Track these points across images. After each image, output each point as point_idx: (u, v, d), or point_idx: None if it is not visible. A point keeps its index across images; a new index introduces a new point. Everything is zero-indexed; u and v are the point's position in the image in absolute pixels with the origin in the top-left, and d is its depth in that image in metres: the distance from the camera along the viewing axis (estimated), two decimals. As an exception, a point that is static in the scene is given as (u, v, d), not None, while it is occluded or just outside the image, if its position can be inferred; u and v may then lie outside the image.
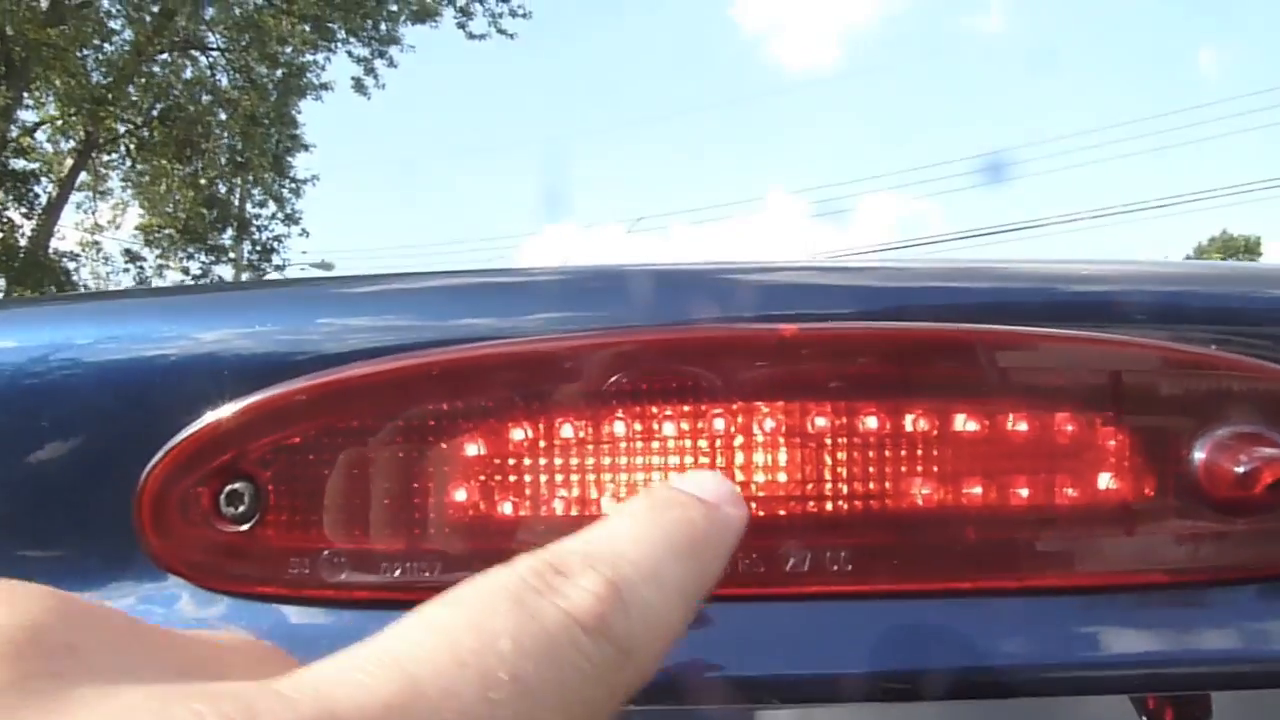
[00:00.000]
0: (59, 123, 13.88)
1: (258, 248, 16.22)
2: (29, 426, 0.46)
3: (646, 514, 0.29)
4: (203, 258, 15.80)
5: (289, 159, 15.47)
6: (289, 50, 14.32)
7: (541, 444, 0.42)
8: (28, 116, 13.71)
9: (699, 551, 0.29)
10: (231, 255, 16.01)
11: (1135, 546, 0.43)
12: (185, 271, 15.81)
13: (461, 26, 14.89)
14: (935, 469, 0.42)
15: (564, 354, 0.43)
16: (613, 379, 0.42)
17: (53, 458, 0.45)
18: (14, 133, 13.13)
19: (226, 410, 0.43)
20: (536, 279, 0.49)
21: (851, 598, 0.42)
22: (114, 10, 13.33)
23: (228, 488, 0.43)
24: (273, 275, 16.21)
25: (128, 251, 15.79)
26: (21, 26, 11.62)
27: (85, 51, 12.98)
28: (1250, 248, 36.29)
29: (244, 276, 16.16)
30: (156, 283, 15.61)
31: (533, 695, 0.22)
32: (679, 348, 0.43)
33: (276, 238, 16.30)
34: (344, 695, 0.20)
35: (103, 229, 15.75)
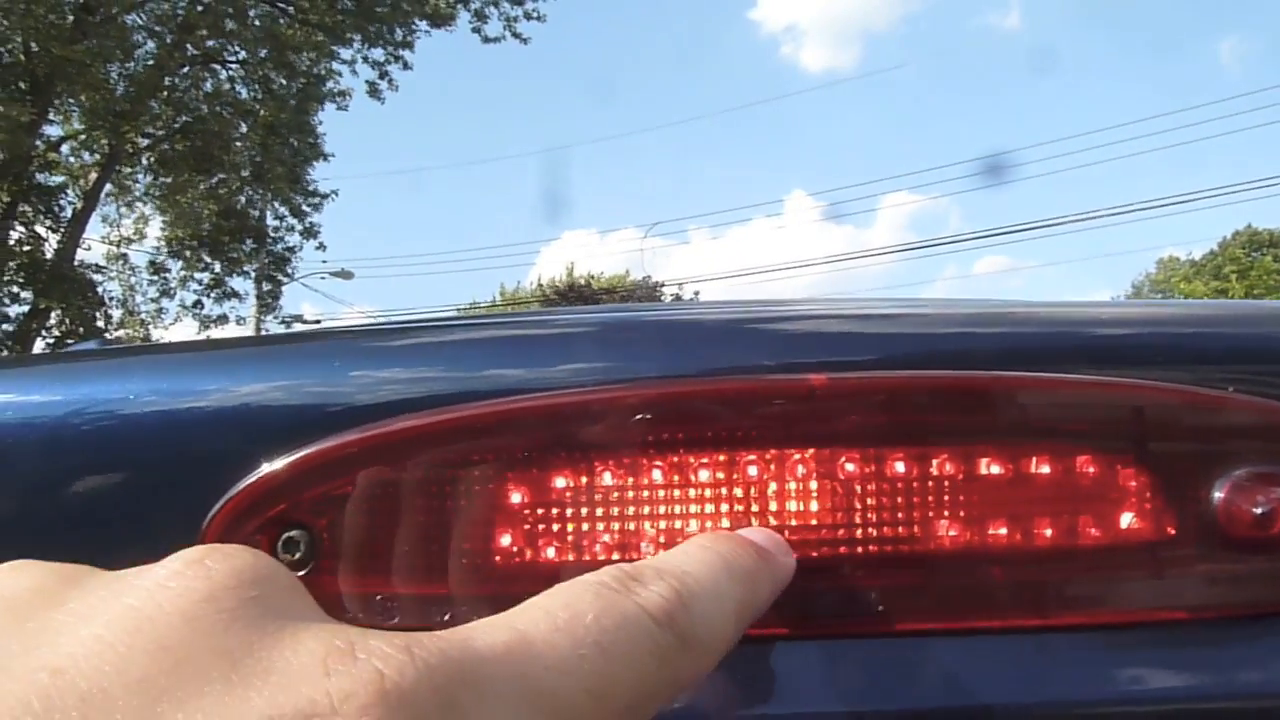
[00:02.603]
0: (83, 137, 14.07)
1: (272, 258, 16.40)
2: (92, 478, 0.48)
3: (710, 543, 0.36)
4: (217, 268, 15.96)
5: (308, 170, 15.62)
6: (306, 61, 14.46)
7: (583, 491, 0.44)
8: (51, 131, 13.91)
9: (751, 581, 0.36)
10: (246, 267, 16.17)
11: (1157, 585, 0.45)
12: (200, 283, 16.01)
13: (476, 31, 15.00)
14: (961, 512, 0.44)
15: (603, 404, 0.45)
16: (650, 428, 0.44)
17: (117, 509, 0.48)
18: (39, 148, 13.31)
19: (282, 461, 0.45)
20: (576, 330, 0.51)
21: (881, 637, 0.44)
22: (137, 23, 13.50)
23: (284, 535, 0.45)
24: (289, 284, 16.37)
25: (152, 263, 15.98)
26: (47, 43, 11.79)
27: (109, 66, 13.15)
28: (1275, 241, 35.84)
29: (262, 286, 16.33)
30: (181, 293, 15.79)
31: (612, 659, 0.28)
32: (713, 398, 0.45)
33: (290, 248, 16.47)
34: (477, 639, 0.26)
35: (131, 241, 15.96)
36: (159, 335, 16.00)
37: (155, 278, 16.01)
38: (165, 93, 14.02)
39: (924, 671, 0.43)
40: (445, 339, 0.51)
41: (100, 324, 14.49)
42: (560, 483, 0.44)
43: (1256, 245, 35.93)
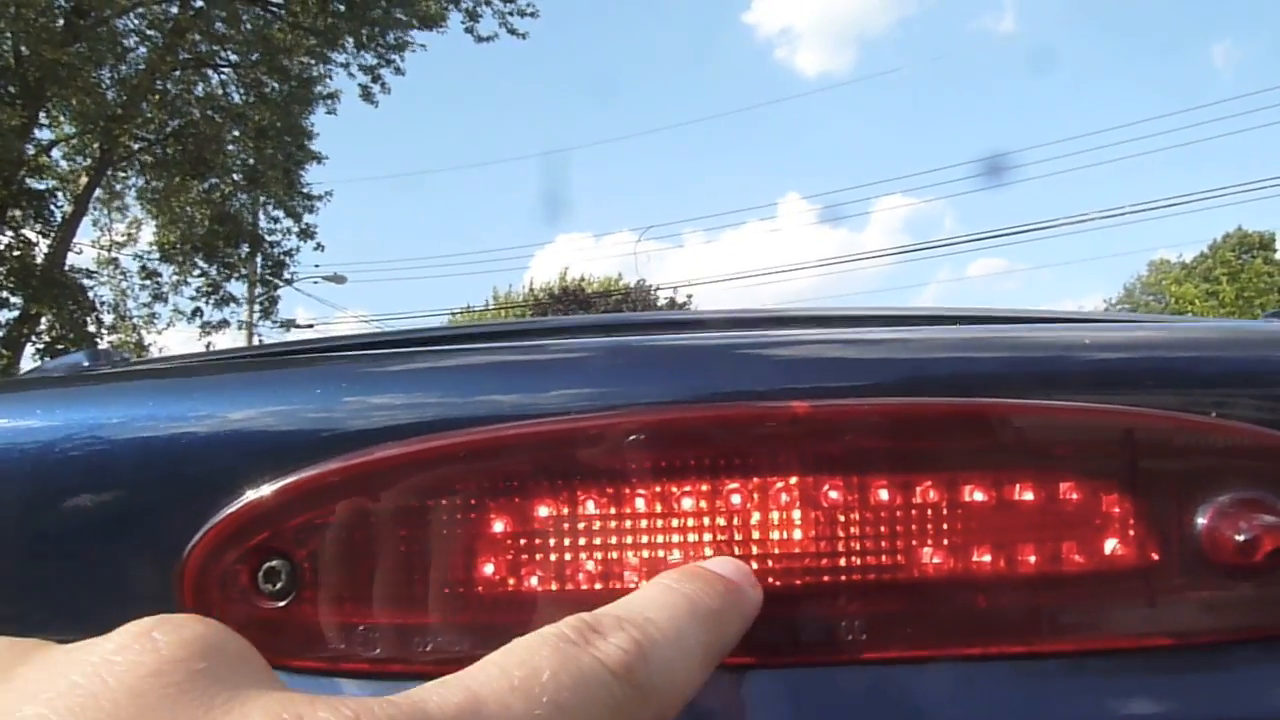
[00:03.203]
0: (74, 142, 14.02)
1: (270, 262, 16.34)
2: (72, 506, 0.48)
3: (675, 584, 0.36)
4: (214, 274, 15.90)
5: (301, 172, 15.57)
6: (297, 64, 14.44)
7: (565, 520, 0.44)
8: (42, 135, 13.86)
9: (717, 621, 0.36)
10: (243, 271, 16.11)
11: (1141, 611, 0.45)
12: (197, 289, 15.96)
13: (469, 30, 14.95)
14: (945, 539, 0.44)
15: (585, 432, 0.44)
16: (632, 456, 0.44)
17: (96, 537, 0.47)
18: (30, 151, 13.27)
19: (264, 490, 0.45)
20: (563, 356, 0.51)
21: (864, 664, 0.44)
22: (129, 26, 13.47)
23: (265, 565, 0.44)
24: (283, 289, 16.35)
25: (144, 267, 15.92)
26: (38, 46, 11.74)
27: (101, 70, 13.11)
28: (1265, 244, 35.97)
29: (256, 290, 16.30)
30: (174, 298, 15.76)
31: (567, 716, 0.27)
32: (696, 425, 0.45)
33: (288, 252, 16.41)
34: (429, 702, 0.26)
35: (123, 246, 15.91)
36: (152, 340, 15.96)
37: (147, 282, 15.96)
38: (157, 96, 13.98)
39: (907, 700, 0.43)
40: (429, 365, 0.51)
41: (91, 329, 14.42)
42: (543, 511, 0.44)
43: (1247, 248, 36.04)
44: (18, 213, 13.33)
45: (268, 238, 16.12)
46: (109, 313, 15.68)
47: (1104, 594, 0.45)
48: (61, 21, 12.54)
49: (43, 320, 13.69)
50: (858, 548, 0.44)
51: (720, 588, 0.37)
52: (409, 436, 0.45)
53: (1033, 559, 0.44)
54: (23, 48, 11.98)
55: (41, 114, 13.15)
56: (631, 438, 0.44)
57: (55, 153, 14.25)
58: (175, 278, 15.96)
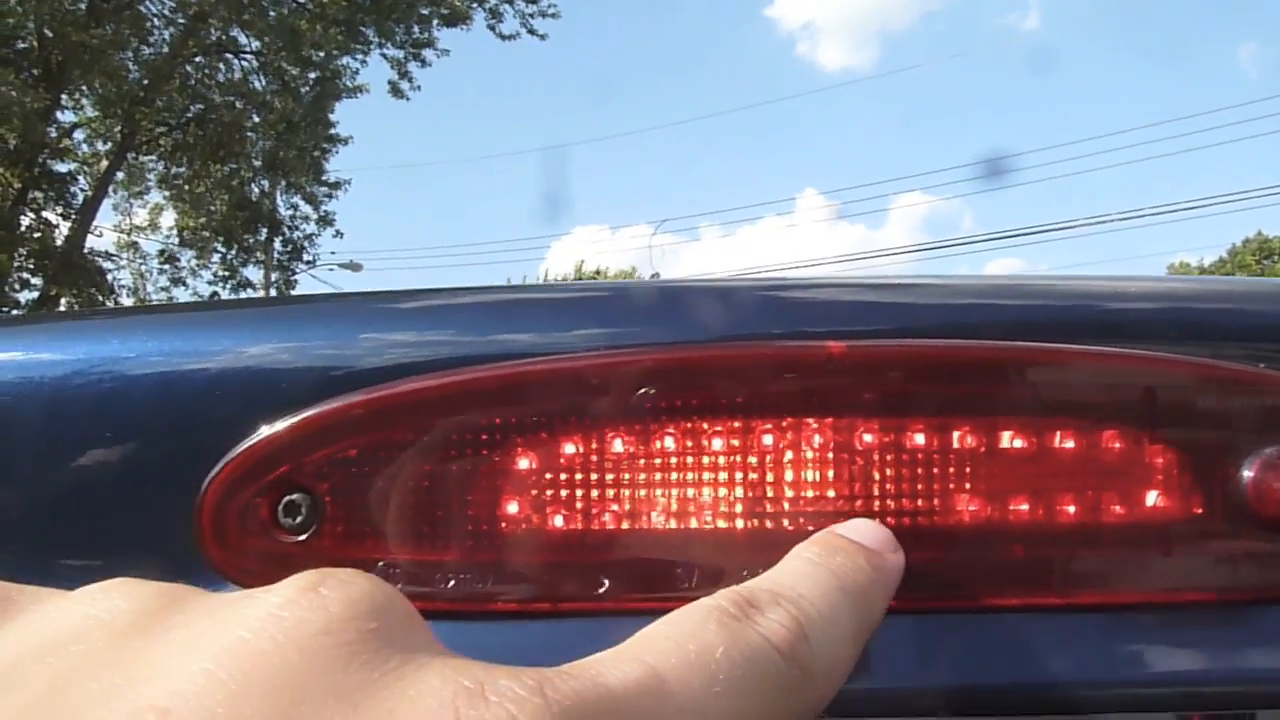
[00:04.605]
0: (95, 124, 14.11)
1: (289, 247, 16.43)
2: (90, 439, 0.47)
3: (820, 559, 0.34)
4: (232, 258, 16.01)
5: (325, 159, 15.64)
6: (321, 55, 14.49)
7: (592, 458, 0.43)
8: (64, 118, 13.96)
9: (866, 597, 0.34)
10: (260, 256, 16.22)
11: (1183, 565, 0.43)
12: (214, 274, 16.07)
13: (492, 28, 15.01)
14: (982, 486, 0.43)
15: (613, 369, 0.43)
16: (662, 395, 0.43)
17: (114, 470, 0.47)
18: (52, 134, 13.35)
19: (284, 423, 0.44)
20: (584, 294, 0.50)
21: (896, 613, 0.43)
22: (152, 10, 13.55)
23: (285, 499, 0.44)
24: (301, 273, 16.44)
25: (163, 252, 16.04)
26: (62, 28, 11.81)
27: (124, 54, 13.18)
28: (1287, 249, 35.59)
29: (273, 276, 16.40)
30: (191, 282, 15.87)
31: (744, 697, 0.26)
32: (727, 364, 0.43)
33: (308, 237, 16.51)
34: (609, 675, 0.24)
35: (142, 230, 16.05)
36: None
37: (166, 266, 16.08)
38: (178, 80, 14.05)
39: (942, 649, 0.42)
40: (452, 302, 0.50)
41: (110, 311, 14.53)
42: (569, 449, 0.43)
43: (1267, 253, 35.71)
44: (39, 195, 13.43)
45: (287, 224, 16.22)
46: (128, 296, 15.80)
47: (1145, 547, 0.43)
48: (84, 4, 12.61)
49: (62, 302, 13.80)
50: (891, 492, 0.42)
51: (863, 561, 0.35)
52: (432, 371, 0.44)
53: (1072, 510, 0.43)
54: (46, 30, 12.05)
55: (64, 97, 13.23)
56: (661, 376, 0.43)
57: (77, 135, 14.36)
58: (195, 262, 16.09)
